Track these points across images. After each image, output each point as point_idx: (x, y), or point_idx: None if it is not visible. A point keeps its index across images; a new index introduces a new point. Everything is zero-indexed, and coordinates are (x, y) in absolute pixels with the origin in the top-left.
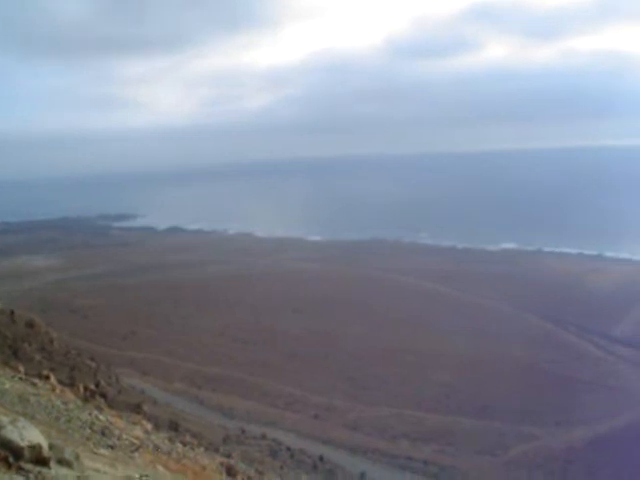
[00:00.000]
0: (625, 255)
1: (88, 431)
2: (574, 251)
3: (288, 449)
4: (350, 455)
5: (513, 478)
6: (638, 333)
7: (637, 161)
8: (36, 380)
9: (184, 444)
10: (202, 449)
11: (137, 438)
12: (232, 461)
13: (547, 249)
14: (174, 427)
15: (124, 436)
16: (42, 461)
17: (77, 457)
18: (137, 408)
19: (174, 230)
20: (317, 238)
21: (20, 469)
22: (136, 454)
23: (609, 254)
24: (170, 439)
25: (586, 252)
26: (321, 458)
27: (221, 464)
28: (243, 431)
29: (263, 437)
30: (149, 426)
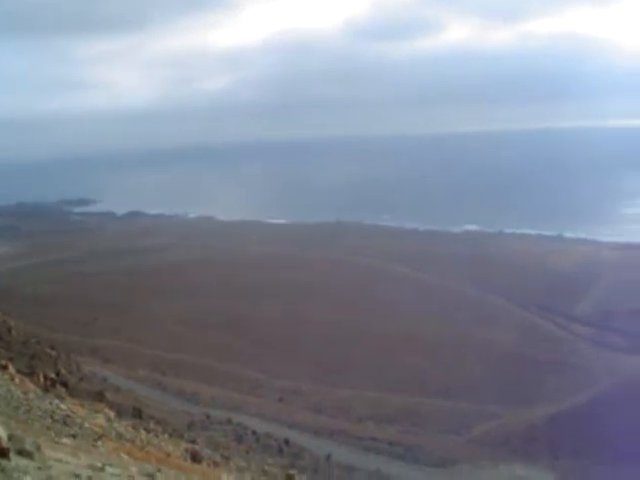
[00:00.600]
0: (583, 235)
1: (49, 421)
2: (534, 232)
3: (254, 433)
4: (315, 438)
5: (476, 456)
6: (597, 312)
7: (592, 143)
8: None
9: (148, 431)
10: (166, 435)
11: (99, 426)
12: (197, 447)
13: (508, 230)
14: (137, 414)
15: (86, 425)
16: (1, 452)
17: (38, 447)
18: (99, 396)
19: (135, 215)
20: (280, 221)
21: None
22: (99, 442)
23: (568, 235)
24: (133, 426)
25: (546, 233)
26: (287, 441)
27: (186, 450)
28: (208, 416)
29: (228, 422)
30: (112, 414)
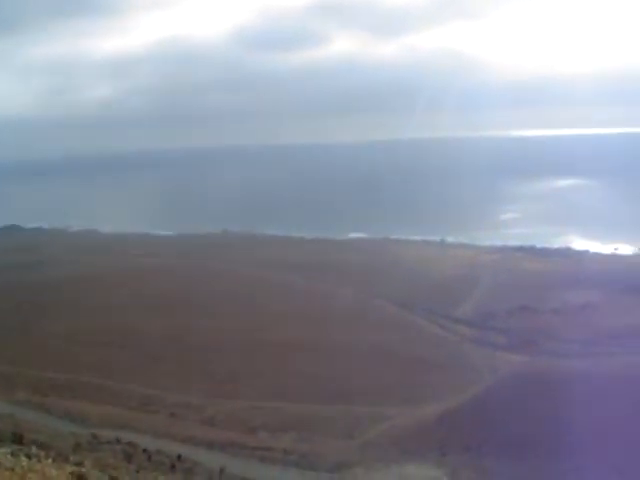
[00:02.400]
0: (464, 240)
1: None
2: (419, 238)
3: (144, 451)
4: (209, 451)
5: (369, 457)
6: (477, 313)
7: (471, 152)
8: None
9: (29, 457)
10: (50, 460)
11: None
12: (83, 469)
13: (394, 237)
14: (18, 440)
15: None
16: None
17: None
18: None
19: (11, 229)
20: (166, 233)
21: None
22: None
23: (450, 240)
24: (13, 453)
25: (429, 238)
26: (179, 457)
27: (71, 474)
28: (95, 437)
29: (117, 441)
30: None
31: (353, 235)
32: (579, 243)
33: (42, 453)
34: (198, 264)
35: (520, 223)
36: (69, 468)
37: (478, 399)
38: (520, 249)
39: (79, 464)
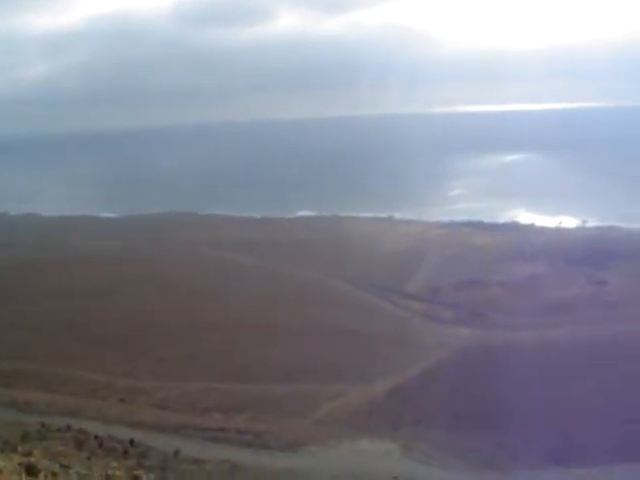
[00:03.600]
0: (412, 216)
1: None
2: (368, 215)
3: (96, 437)
4: (162, 435)
5: (322, 434)
6: (427, 288)
7: (419, 128)
8: None
9: None
10: None
11: None
12: (33, 459)
13: (343, 214)
14: None
15: None
16: None
17: None
18: None
19: None
20: (112, 215)
21: None
22: None
23: (398, 216)
24: None
25: (378, 215)
26: (132, 442)
27: (20, 464)
28: (44, 425)
29: (67, 429)
30: None
31: (302, 213)
32: (525, 217)
33: None
34: (144, 246)
35: (467, 198)
36: (17, 458)
37: (428, 373)
38: (468, 224)
39: (28, 454)
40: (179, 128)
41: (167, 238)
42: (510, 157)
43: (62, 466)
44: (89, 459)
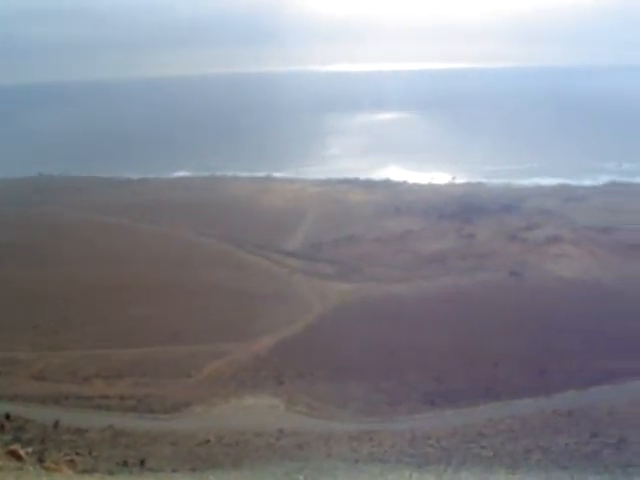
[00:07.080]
0: (291, 175)
1: None
2: (245, 174)
3: None
4: (42, 407)
5: (207, 394)
6: (306, 245)
7: (297, 86)
8: None
9: None
10: None
11: None
12: None
13: (219, 174)
14: None
15: None
16: None
17: None
18: None
19: None
20: None
21: None
22: None
23: (277, 174)
24: None
25: (256, 174)
26: (7, 416)
27: None
28: None
29: None
30: None
31: (179, 174)
32: (399, 174)
33: None
34: (14, 210)
35: (344, 156)
36: None
37: (310, 328)
38: (344, 181)
39: None
40: (58, 85)
41: (38, 202)
42: (385, 115)
43: None
44: None
